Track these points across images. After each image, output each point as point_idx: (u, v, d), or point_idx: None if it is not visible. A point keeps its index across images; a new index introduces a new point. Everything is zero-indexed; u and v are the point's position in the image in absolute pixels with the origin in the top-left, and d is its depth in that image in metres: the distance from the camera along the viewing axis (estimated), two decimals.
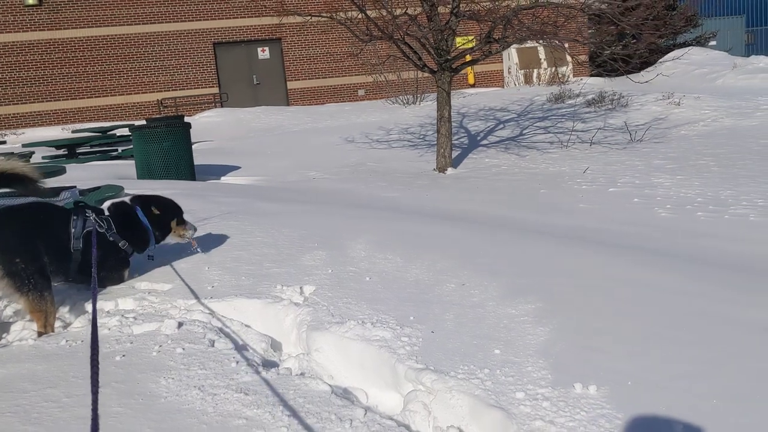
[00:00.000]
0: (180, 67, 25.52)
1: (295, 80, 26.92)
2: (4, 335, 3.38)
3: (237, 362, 2.86)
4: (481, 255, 4.37)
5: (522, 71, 24.96)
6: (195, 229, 4.31)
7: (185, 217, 4.30)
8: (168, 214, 4.17)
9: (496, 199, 7.91)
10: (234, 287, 3.79)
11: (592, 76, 22.40)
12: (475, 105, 18.71)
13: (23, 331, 3.38)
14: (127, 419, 2.42)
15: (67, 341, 3.18)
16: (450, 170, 10.43)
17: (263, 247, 4.51)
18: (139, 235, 4.01)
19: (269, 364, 3.03)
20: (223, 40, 25.78)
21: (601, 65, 17.91)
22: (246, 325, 3.44)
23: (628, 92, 16.34)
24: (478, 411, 2.52)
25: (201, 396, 2.58)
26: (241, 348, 3.16)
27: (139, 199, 4.13)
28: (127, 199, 4.18)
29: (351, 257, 4.28)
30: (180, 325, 3.27)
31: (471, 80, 27.94)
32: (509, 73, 25.76)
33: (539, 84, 22.55)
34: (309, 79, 27.02)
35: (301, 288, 3.74)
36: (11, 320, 3.61)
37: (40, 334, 3.33)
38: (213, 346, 3.07)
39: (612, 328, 3.14)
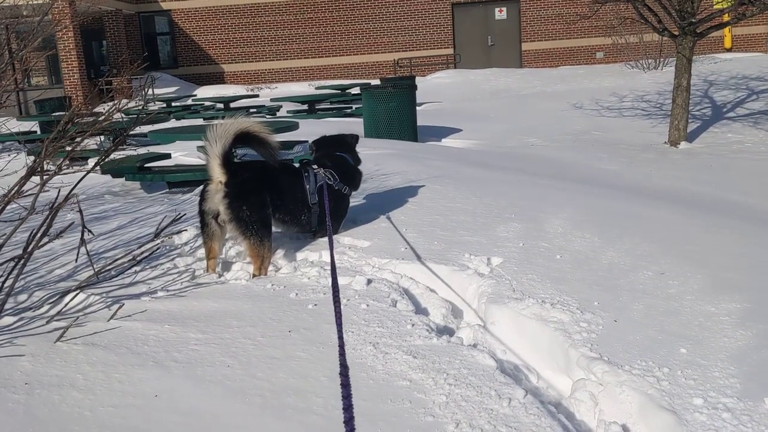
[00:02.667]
0: (417, 27, 26.19)
1: (530, 41, 26.31)
2: (225, 273, 3.84)
3: (413, 325, 2.99)
4: (691, 242, 4.04)
5: None
6: None
7: None
8: (355, 148, 4.60)
9: (729, 180, 7.16)
10: (425, 251, 3.91)
11: None
12: (727, 72, 16.87)
13: (239, 271, 3.81)
14: (306, 365, 2.66)
15: (272, 285, 3.54)
16: (683, 144, 9.61)
17: (460, 214, 4.58)
18: (356, 176, 4.49)
19: (445, 331, 3.12)
20: (462, 1, 25.89)
21: None
22: (430, 290, 3.56)
23: None
24: (647, 411, 2.39)
25: (374, 353, 2.74)
26: (420, 311, 3.29)
27: (330, 145, 4.53)
28: (310, 143, 4.69)
29: (546, 232, 4.19)
30: (369, 282, 3.48)
31: (727, 44, 25.18)
32: None
33: None
34: (544, 40, 26.25)
35: (488, 259, 3.76)
36: (233, 260, 4.08)
37: (254, 276, 3.74)
38: (395, 306, 3.22)
39: None
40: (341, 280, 3.54)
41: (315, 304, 3.24)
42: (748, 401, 2.36)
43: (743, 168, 7.90)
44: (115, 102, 4.53)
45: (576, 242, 4.02)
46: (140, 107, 4.48)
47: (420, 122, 11.54)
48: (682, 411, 2.32)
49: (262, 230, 3.77)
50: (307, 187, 4.07)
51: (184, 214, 4.05)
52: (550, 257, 3.79)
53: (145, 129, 8.13)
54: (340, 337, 1.93)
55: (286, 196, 4.01)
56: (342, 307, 3.18)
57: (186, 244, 4.33)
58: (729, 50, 24.81)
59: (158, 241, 4.26)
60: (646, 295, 3.25)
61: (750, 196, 6.34)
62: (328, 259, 3.93)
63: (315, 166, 4.18)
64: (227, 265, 3.99)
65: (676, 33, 9.71)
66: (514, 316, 3.12)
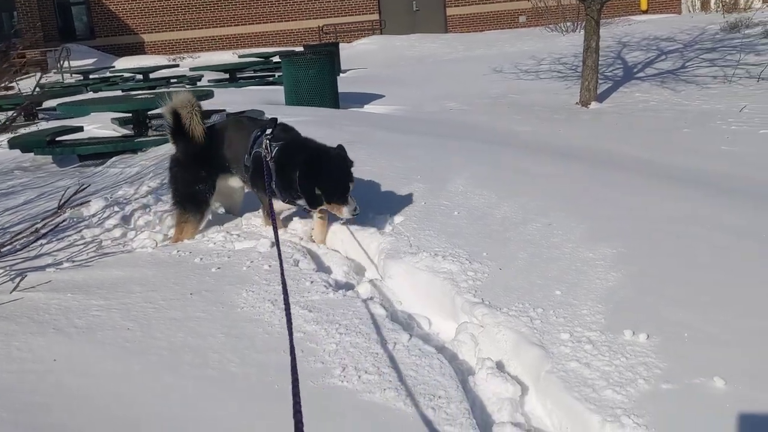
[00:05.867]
0: None
1: (455, 6, 26.49)
2: (130, 243, 3.88)
3: (312, 282, 3.13)
4: (582, 196, 4.30)
5: None
6: (354, 213, 3.53)
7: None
8: (327, 193, 3.51)
9: (632, 137, 7.53)
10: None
11: None
12: (640, 33, 17.48)
13: (146, 240, 3.86)
14: (205, 323, 2.77)
15: (178, 251, 3.61)
16: (593, 105, 9.99)
17: (368, 176, 4.71)
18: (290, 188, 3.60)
19: (345, 287, 3.27)
20: None
21: None
22: (334, 250, 3.70)
23: None
24: (520, 347, 2.60)
25: (271, 309, 2.87)
26: (323, 270, 3.43)
27: (310, 157, 3.57)
28: (315, 141, 3.80)
29: (448, 191, 4.38)
30: (273, 244, 3.59)
31: (644, 5, 25.96)
32: None
33: (717, 11, 20.48)
34: (469, 5, 26.47)
35: (391, 218, 3.91)
36: (142, 230, 4.12)
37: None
38: (297, 265, 3.35)
39: (690, 279, 3.04)
40: (246, 244, 3.65)
41: (218, 267, 3.33)
42: (610, 334, 2.60)
43: (646, 125, 8.30)
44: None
45: (474, 199, 4.22)
46: (38, 81, 4.35)
47: (343, 89, 11.58)
48: (550, 345, 2.55)
49: (186, 204, 3.86)
50: (248, 146, 3.76)
51: (88, 186, 4.05)
52: (449, 214, 3.97)
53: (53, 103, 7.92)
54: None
55: (235, 153, 3.84)
56: (245, 268, 3.31)
57: (94, 215, 4.33)
58: (645, 12, 25.60)
59: (66, 214, 4.25)
60: (531, 245, 3.48)
61: (648, 151, 6.70)
62: (235, 224, 4.03)
63: (268, 133, 3.66)
64: (134, 234, 4.02)
65: None
66: (408, 269, 3.30)
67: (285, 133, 3.76)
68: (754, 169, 5.78)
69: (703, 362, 2.40)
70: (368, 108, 11.32)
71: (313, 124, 7.38)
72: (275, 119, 3.83)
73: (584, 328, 2.65)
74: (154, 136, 6.87)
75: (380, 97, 12.18)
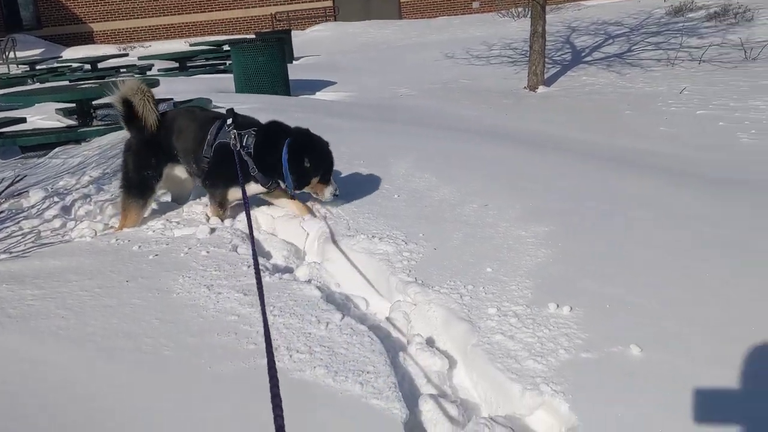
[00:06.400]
0: None
1: None
2: (69, 233, 3.85)
3: (249, 266, 3.16)
4: (520, 178, 4.41)
5: None
6: (335, 194, 3.76)
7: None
8: (316, 169, 3.68)
9: (575, 119, 7.70)
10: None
11: None
12: (589, 18, 17.80)
13: (85, 229, 3.83)
14: (139, 310, 2.78)
15: (117, 240, 3.60)
16: (541, 89, 10.16)
17: None
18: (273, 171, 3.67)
19: (284, 270, 3.31)
20: None
21: None
22: (273, 234, 3.73)
23: (757, 5, 14.90)
24: (449, 323, 2.69)
25: (207, 294, 2.90)
26: (263, 255, 3.47)
27: (295, 137, 3.70)
28: (290, 125, 3.83)
29: (390, 175, 4.44)
30: (212, 231, 3.61)
31: None
32: None
33: None
34: None
35: (331, 202, 3.95)
36: (82, 219, 4.09)
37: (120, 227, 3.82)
38: (235, 251, 3.38)
39: (617, 254, 3.17)
40: (185, 231, 3.66)
41: (156, 255, 3.34)
42: (535, 307, 2.70)
43: (590, 108, 8.49)
44: None
45: (415, 182, 4.29)
46: None
47: (295, 76, 11.54)
48: (477, 320, 2.63)
49: (132, 190, 3.84)
50: (208, 138, 3.73)
51: (25, 176, 4.00)
52: (389, 197, 4.04)
53: None
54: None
55: (186, 144, 3.82)
56: (183, 255, 3.32)
57: (33, 206, 4.27)
58: None
59: (5, 205, 4.20)
60: (467, 225, 3.56)
61: (590, 132, 6.86)
62: (177, 212, 4.03)
63: (230, 122, 3.67)
64: (74, 224, 3.99)
65: None
66: (346, 251, 3.35)
67: (246, 120, 3.83)
68: (688, 149, 5.98)
69: (622, 332, 2.52)
70: (319, 95, 11.31)
71: (262, 111, 7.35)
72: (232, 109, 3.84)
73: (511, 302, 2.75)
74: (98, 126, 6.78)
75: (332, 84, 12.18)
